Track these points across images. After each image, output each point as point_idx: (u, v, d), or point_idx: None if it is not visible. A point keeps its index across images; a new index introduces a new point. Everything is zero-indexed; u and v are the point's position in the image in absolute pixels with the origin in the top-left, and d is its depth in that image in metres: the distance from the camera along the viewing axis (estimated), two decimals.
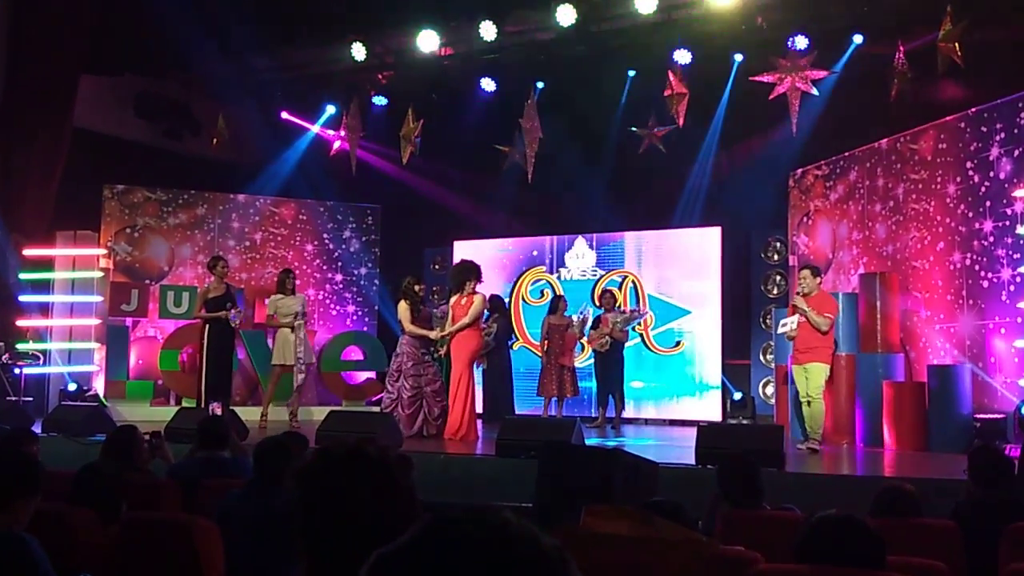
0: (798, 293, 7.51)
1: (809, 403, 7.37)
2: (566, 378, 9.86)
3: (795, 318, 7.44)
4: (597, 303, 10.67)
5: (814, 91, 9.33)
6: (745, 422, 10.01)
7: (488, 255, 11.79)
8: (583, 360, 11.24)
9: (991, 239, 7.88)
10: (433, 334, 8.27)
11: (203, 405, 8.64)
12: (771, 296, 10.97)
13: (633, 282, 11.39)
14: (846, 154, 9.80)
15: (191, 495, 4.08)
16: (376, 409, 9.06)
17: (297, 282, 11.58)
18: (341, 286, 12.32)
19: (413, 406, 8.17)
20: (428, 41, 10.68)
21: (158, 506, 3.88)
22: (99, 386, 10.52)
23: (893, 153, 9.10)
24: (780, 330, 7.71)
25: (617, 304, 10.46)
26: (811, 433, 7.37)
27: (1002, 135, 7.85)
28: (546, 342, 10.01)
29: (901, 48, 8.98)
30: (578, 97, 11.13)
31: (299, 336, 9.07)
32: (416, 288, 8.43)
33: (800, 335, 7.41)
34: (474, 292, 8.13)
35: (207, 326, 9.02)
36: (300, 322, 9.12)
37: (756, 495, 3.75)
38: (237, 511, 3.31)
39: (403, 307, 8.40)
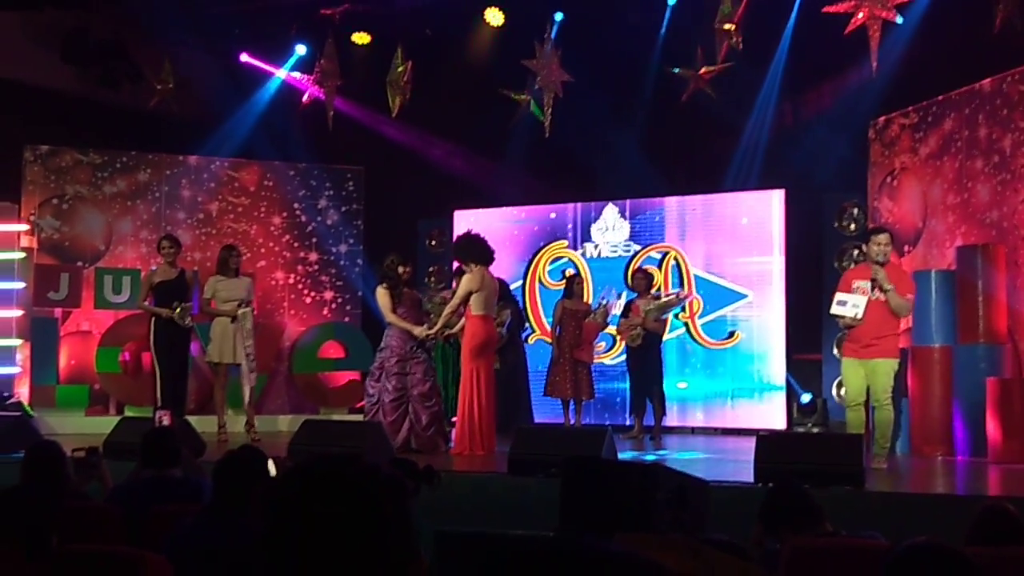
0: (877, 262, 7.13)
1: (875, 409, 7.17)
2: (582, 376, 9.87)
3: (862, 297, 7.06)
4: (630, 285, 10.67)
5: (898, 19, 9.25)
6: (816, 431, 10.00)
7: (497, 227, 11.78)
8: (614, 356, 11.25)
9: None
10: (418, 331, 8.28)
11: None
12: (867, 277, 10.89)
13: (676, 259, 11.37)
14: (939, 98, 9.72)
15: (136, 523, 4.10)
16: (361, 418, 9.10)
17: (262, 263, 11.69)
18: (316, 268, 12.34)
19: (396, 412, 8.21)
20: None
21: (96, 537, 3.90)
22: (23, 392, 10.59)
23: (998, 96, 9.02)
24: (837, 310, 7.16)
25: (656, 287, 10.44)
26: (876, 448, 7.13)
27: None
28: (559, 329, 10.03)
29: None
30: (606, 31, 11.08)
31: (245, 327, 9.12)
32: (400, 270, 8.44)
33: (868, 320, 7.03)
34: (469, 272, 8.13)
35: (154, 319, 9.09)
36: (246, 311, 9.15)
37: (814, 517, 3.77)
38: (192, 542, 3.33)
39: (382, 293, 8.44)
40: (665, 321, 10.07)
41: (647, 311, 9.63)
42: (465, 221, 11.66)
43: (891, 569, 2.32)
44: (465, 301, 8.12)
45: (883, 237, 7.27)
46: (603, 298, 10.28)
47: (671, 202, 11.55)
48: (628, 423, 10.40)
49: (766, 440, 6.52)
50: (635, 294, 10.13)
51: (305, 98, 11.98)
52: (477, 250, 8.25)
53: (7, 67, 11.23)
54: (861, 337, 7.17)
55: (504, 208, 12.25)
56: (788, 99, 11.13)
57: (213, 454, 6.50)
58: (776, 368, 10.89)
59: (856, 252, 10.91)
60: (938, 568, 2.27)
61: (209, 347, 9.36)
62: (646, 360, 9.76)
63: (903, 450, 8.56)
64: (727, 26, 9.95)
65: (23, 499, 3.55)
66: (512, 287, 11.16)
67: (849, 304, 7.12)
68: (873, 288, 7.12)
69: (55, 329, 10.95)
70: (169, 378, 9.03)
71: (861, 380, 7.18)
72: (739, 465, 6.84)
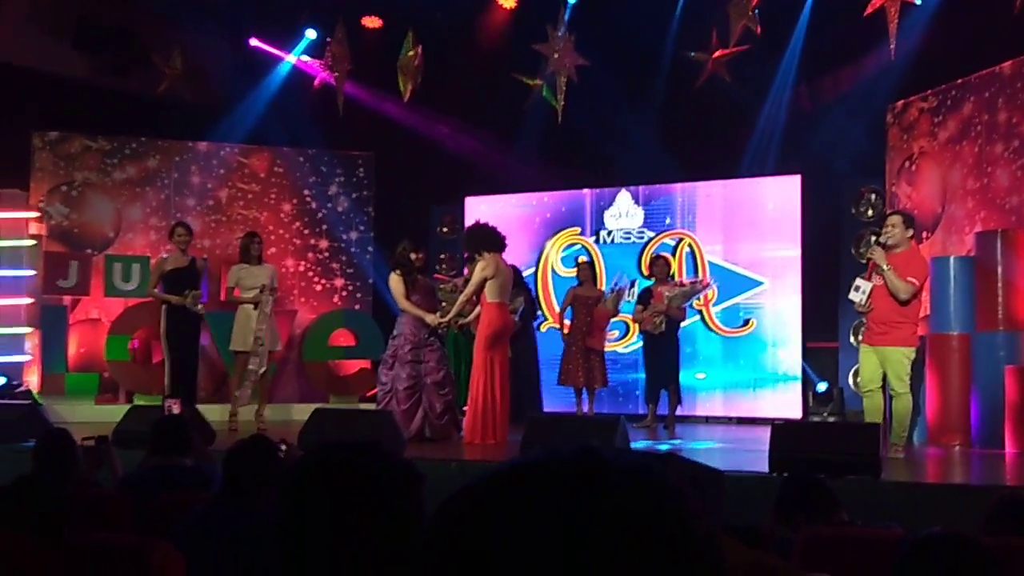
0: (880, 243, 7.23)
1: (891, 398, 7.22)
2: (595, 364, 9.86)
3: (868, 284, 7.18)
4: (647, 273, 10.65)
5: (917, 0, 9.20)
6: (832, 419, 9.99)
7: (509, 214, 11.78)
8: (629, 344, 11.25)
9: None
10: (430, 318, 8.30)
11: None
12: (865, 262, 10.86)
13: (690, 246, 11.35)
14: (959, 82, 9.67)
15: (145, 512, 4.14)
16: (372, 406, 9.13)
17: (272, 250, 11.74)
18: (327, 255, 12.36)
19: (410, 400, 8.22)
20: None
21: (106, 525, 3.94)
22: (33, 380, 10.65)
23: (1019, 79, 8.97)
24: (851, 296, 7.34)
25: (672, 273, 10.42)
26: (894, 437, 7.16)
27: None
28: (570, 315, 10.01)
29: None
30: (620, 14, 11.05)
31: (264, 312, 9.16)
32: (413, 256, 8.47)
33: (877, 306, 7.12)
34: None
35: (164, 307, 9.14)
36: (268, 297, 9.18)
37: (829, 507, 3.79)
38: (202, 531, 3.35)
39: (395, 280, 8.45)
40: (685, 308, 10.05)
41: (671, 297, 9.58)
42: (477, 207, 11.66)
43: (906, 559, 2.32)
44: (480, 289, 8.12)
45: (891, 219, 7.40)
46: (616, 284, 10.26)
47: (686, 188, 11.53)
48: (642, 412, 10.40)
49: (781, 429, 6.51)
50: (649, 281, 10.12)
51: (316, 83, 11.97)
52: (488, 238, 8.24)
53: (16, 53, 11.27)
54: (873, 323, 7.25)
55: (516, 194, 12.23)
56: (805, 83, 11.08)
57: (224, 442, 6.54)
58: (792, 356, 10.88)
59: (873, 239, 10.87)
60: (953, 558, 2.27)
61: (233, 335, 9.39)
62: (663, 348, 9.73)
63: (920, 439, 8.55)
64: (741, 10, 9.90)
65: (34, 488, 3.59)
66: (524, 274, 11.16)
67: (860, 290, 7.23)
68: (872, 272, 7.26)
69: (64, 317, 11.01)
70: (180, 366, 9.08)
71: (875, 366, 7.20)
72: (754, 455, 6.84)
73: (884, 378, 7.25)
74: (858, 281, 7.35)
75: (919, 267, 7.29)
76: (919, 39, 9.59)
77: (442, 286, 9.65)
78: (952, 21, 9.45)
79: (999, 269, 8.42)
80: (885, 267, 7.09)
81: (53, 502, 3.54)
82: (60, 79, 11.57)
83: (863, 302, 7.18)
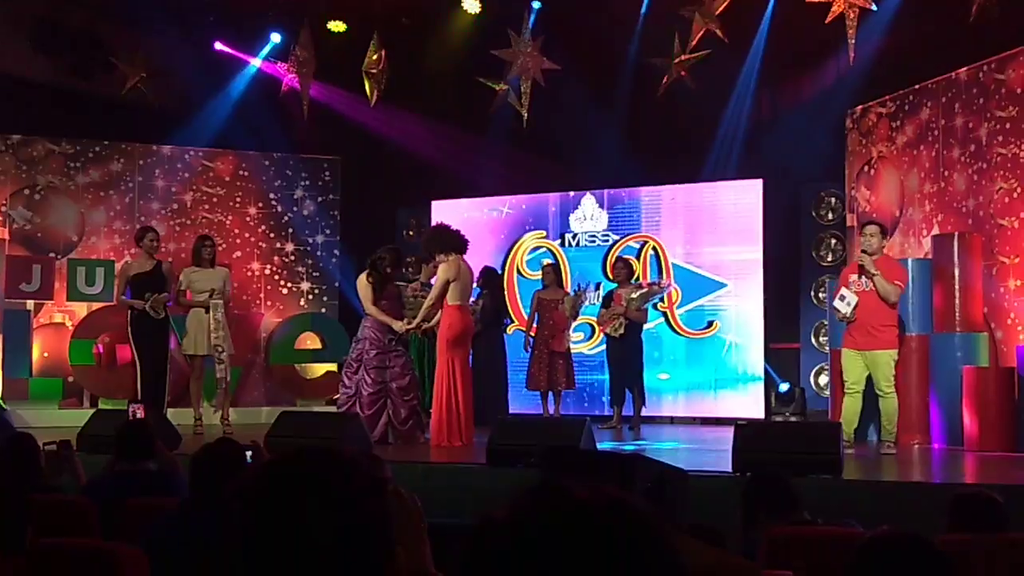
0: (863, 251, 7.57)
1: (880, 398, 7.54)
2: (558, 367, 9.86)
3: (854, 296, 7.44)
4: (610, 275, 10.68)
5: (872, 6, 9.30)
6: (793, 419, 10.07)
7: (475, 217, 11.78)
8: (593, 346, 11.27)
9: None
10: (397, 325, 8.25)
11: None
12: (825, 264, 10.97)
13: (654, 249, 11.39)
14: (916, 87, 9.77)
15: (111, 517, 4.09)
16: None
17: (237, 254, 11.67)
18: (293, 258, 12.30)
19: (375, 406, 8.16)
20: None
21: (71, 531, 3.89)
22: None
23: (975, 85, 9.08)
24: (837, 304, 7.63)
25: (635, 276, 10.46)
26: (885, 434, 7.59)
27: None
28: (536, 319, 10.02)
29: None
30: (585, 19, 11.08)
31: (215, 318, 9.08)
32: (389, 270, 8.40)
33: (862, 313, 7.42)
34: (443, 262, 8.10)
35: (130, 312, 9.04)
36: (216, 301, 9.11)
37: (792, 505, 3.82)
38: (168, 537, 3.32)
39: (363, 282, 8.39)
40: (646, 310, 10.08)
41: (630, 300, 9.62)
42: (443, 211, 11.64)
43: (858, 558, 2.34)
44: (444, 291, 8.07)
45: (868, 228, 7.70)
46: (576, 288, 10.27)
47: (650, 192, 11.57)
48: (608, 413, 10.42)
49: (744, 429, 6.55)
50: (614, 284, 10.14)
51: (282, 87, 11.90)
52: (449, 239, 8.19)
53: None
54: (859, 328, 7.51)
55: (482, 198, 12.23)
56: (766, 89, 11.16)
57: (189, 447, 6.48)
58: (754, 357, 10.95)
59: (834, 242, 11.01)
60: (903, 556, 2.29)
61: (184, 339, 9.33)
62: (626, 350, 9.76)
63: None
64: (706, 16, 9.95)
65: None
66: None
67: (846, 301, 7.51)
68: (860, 276, 7.50)
69: (28, 321, 10.86)
70: (149, 372, 8.97)
71: (861, 368, 7.55)
72: (718, 454, 6.87)
73: (867, 380, 7.57)
74: (843, 291, 7.57)
75: (899, 270, 7.68)
76: (877, 45, 9.69)
77: (413, 293, 9.57)
78: (909, 28, 9.56)
79: (956, 271, 8.52)
80: (875, 272, 7.38)
81: (14, 507, 3.49)
82: (23, 81, 11.43)
83: (849, 314, 7.45)
